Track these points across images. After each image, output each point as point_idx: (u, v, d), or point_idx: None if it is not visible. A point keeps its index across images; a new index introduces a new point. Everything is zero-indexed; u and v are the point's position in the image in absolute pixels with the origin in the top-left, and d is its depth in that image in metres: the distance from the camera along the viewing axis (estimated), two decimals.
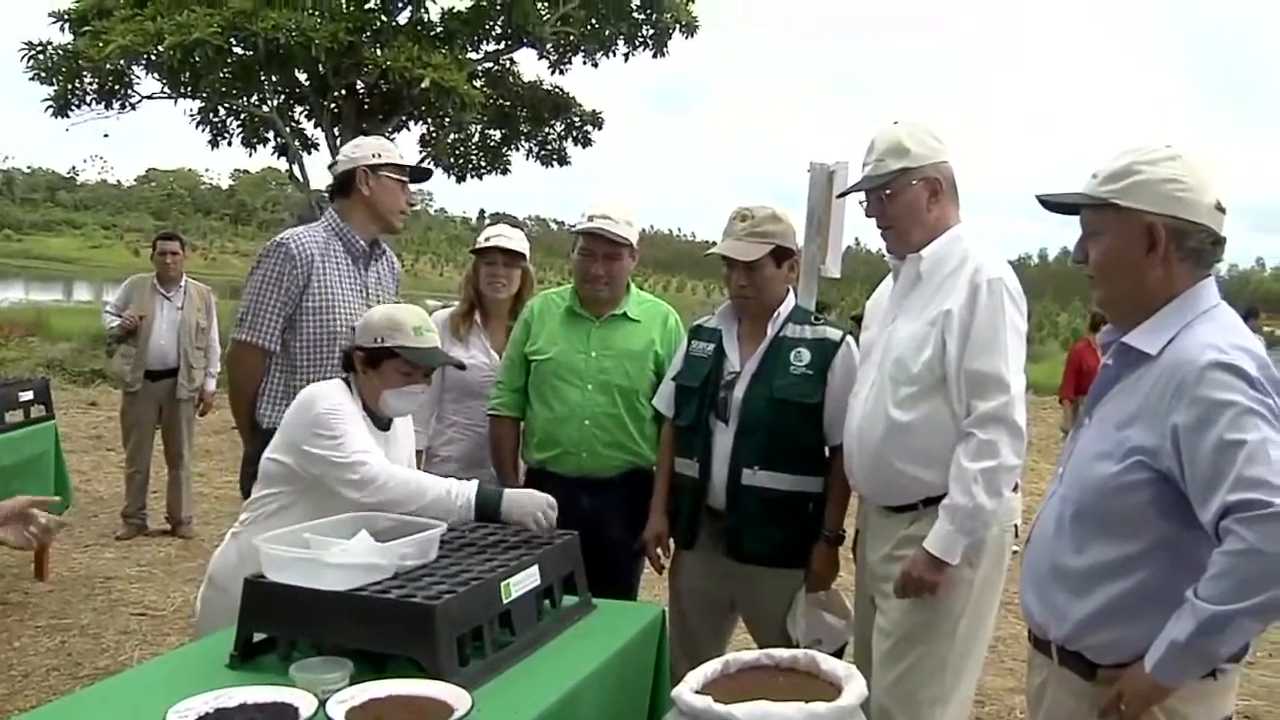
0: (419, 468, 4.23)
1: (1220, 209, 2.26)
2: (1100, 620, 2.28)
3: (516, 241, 4.35)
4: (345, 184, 3.96)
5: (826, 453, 3.57)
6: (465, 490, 3.03)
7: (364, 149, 3.95)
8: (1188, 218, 2.23)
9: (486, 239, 4.37)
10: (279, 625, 2.56)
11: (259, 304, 3.83)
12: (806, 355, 3.53)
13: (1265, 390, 2.11)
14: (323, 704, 2.21)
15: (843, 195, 3.49)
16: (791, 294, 3.68)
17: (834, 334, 3.59)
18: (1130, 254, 2.27)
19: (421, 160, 17.95)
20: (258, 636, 2.58)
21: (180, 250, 7.61)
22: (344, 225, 3.94)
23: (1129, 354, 2.31)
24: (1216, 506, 2.06)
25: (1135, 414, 2.23)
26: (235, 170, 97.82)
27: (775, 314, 3.59)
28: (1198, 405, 2.10)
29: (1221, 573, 2.05)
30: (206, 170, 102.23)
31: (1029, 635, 2.53)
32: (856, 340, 3.57)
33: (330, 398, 3.08)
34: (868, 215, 3.31)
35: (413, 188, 4.01)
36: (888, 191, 3.20)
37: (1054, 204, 2.40)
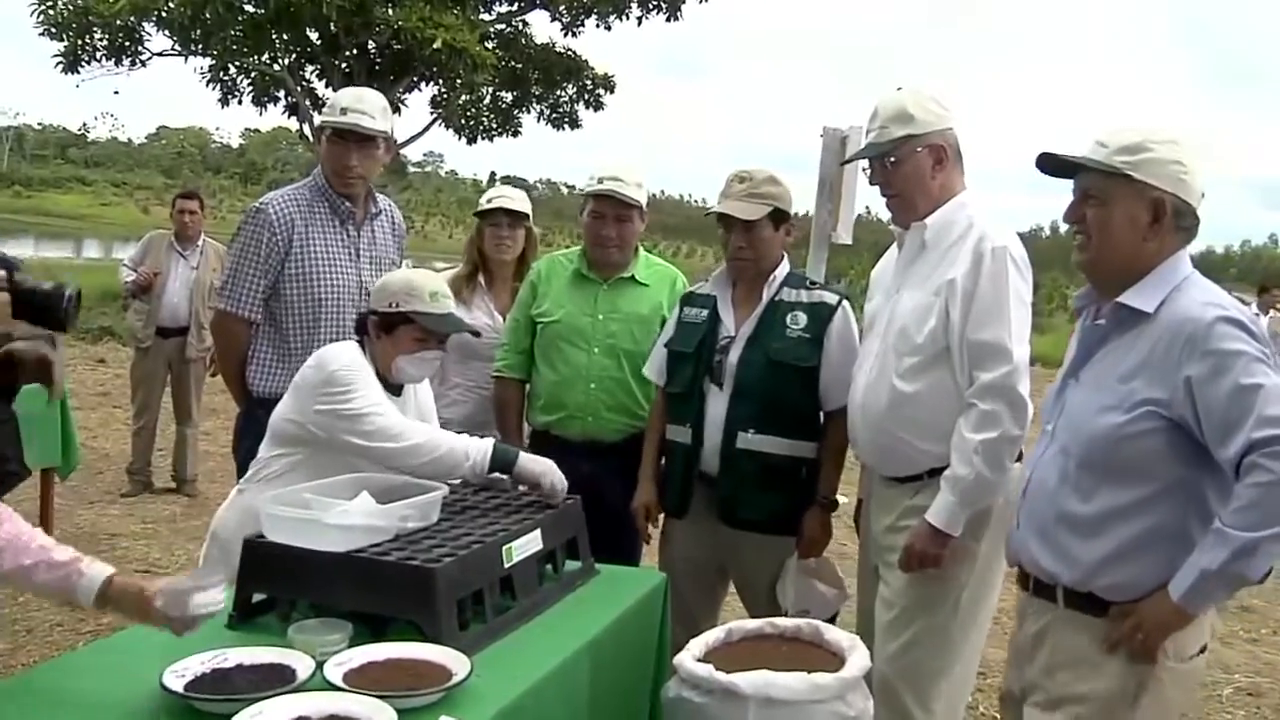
0: None
1: (1203, 196, 2.47)
2: (1114, 561, 2.42)
3: (519, 202, 4.32)
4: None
5: (821, 418, 3.54)
6: (482, 446, 3.01)
7: (328, 103, 3.80)
8: (1185, 198, 2.43)
9: (489, 200, 4.34)
10: (278, 586, 2.54)
11: (238, 272, 3.77)
12: (803, 319, 3.50)
13: (1264, 341, 2.33)
14: (320, 666, 2.19)
15: (846, 163, 3.44)
16: (786, 259, 3.64)
17: (830, 298, 3.56)
18: (1135, 222, 2.43)
19: (432, 121, 17.92)
20: (257, 597, 2.56)
21: (199, 210, 7.59)
22: (327, 183, 3.83)
23: (1121, 312, 2.46)
24: (1240, 444, 2.23)
25: (1138, 368, 2.39)
26: (246, 129, 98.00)
27: (771, 278, 3.56)
28: (1211, 356, 2.28)
29: (1251, 503, 2.22)
30: (217, 129, 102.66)
31: (1026, 584, 2.63)
32: (854, 306, 3.54)
33: (344, 357, 3.05)
34: (871, 183, 3.28)
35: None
36: (892, 159, 3.16)
37: (1053, 166, 2.53)
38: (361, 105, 3.71)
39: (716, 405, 3.51)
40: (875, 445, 3.25)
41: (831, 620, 3.53)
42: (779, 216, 3.53)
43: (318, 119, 3.83)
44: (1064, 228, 2.62)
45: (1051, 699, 2.53)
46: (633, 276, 3.90)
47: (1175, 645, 2.40)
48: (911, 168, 3.16)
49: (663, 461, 3.72)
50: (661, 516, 3.74)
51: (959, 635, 3.16)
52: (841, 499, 3.61)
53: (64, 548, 2.21)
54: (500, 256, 4.26)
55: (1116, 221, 2.44)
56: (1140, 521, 2.39)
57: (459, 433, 4.08)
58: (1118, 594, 2.42)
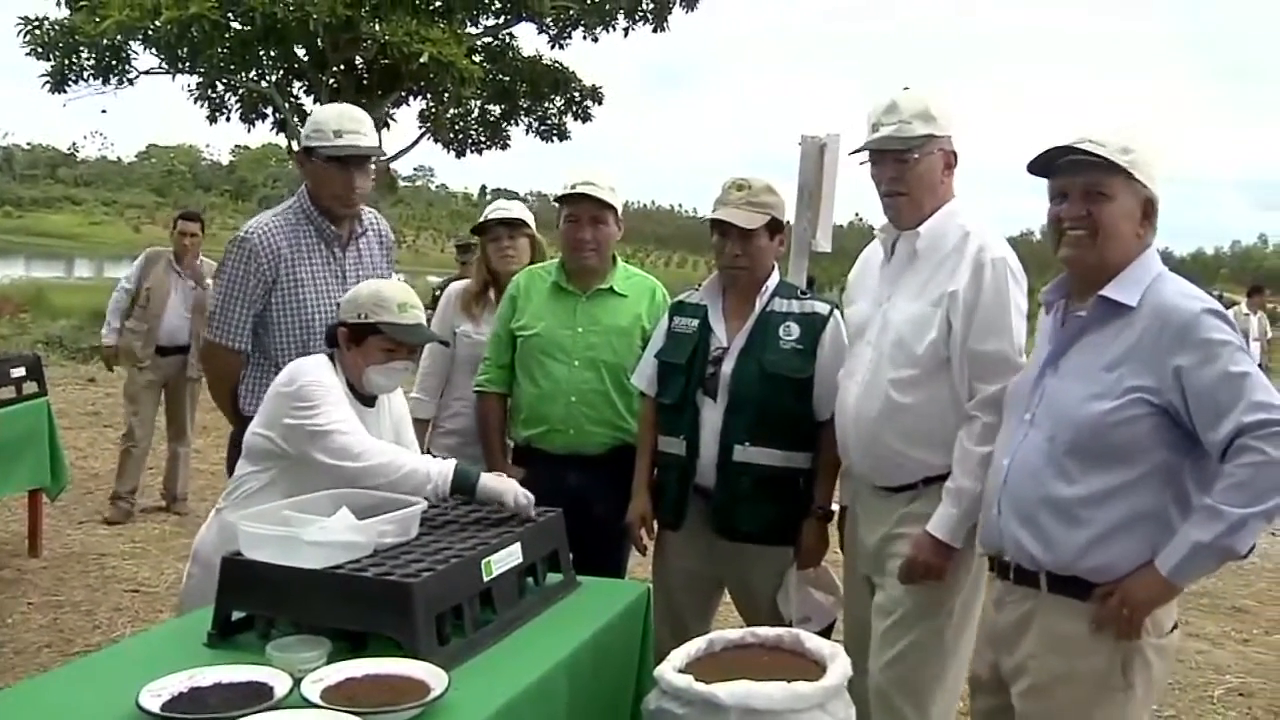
0: (424, 438, 4.20)
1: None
2: (1099, 543, 2.53)
3: (516, 210, 4.39)
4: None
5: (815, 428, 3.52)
6: (443, 468, 2.98)
7: (310, 124, 3.73)
8: (1157, 195, 2.61)
9: (485, 216, 4.39)
10: (256, 603, 2.52)
11: (225, 304, 3.72)
12: (796, 329, 3.49)
13: (1239, 332, 2.51)
14: (298, 683, 2.18)
15: (855, 152, 3.35)
16: (776, 269, 3.64)
17: (822, 308, 3.55)
18: (1132, 218, 2.59)
19: (421, 135, 17.91)
20: (236, 615, 2.55)
21: (200, 233, 7.57)
22: (312, 206, 3.76)
23: (1105, 306, 2.57)
24: (1231, 427, 2.38)
25: (1123, 357, 2.52)
26: (236, 146, 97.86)
27: (763, 288, 3.55)
28: (1201, 347, 2.43)
29: (1243, 481, 2.37)
30: (207, 146, 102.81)
31: (1005, 571, 2.72)
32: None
33: (312, 372, 3.05)
34: (876, 178, 3.19)
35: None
36: (915, 156, 3.11)
37: (1043, 161, 2.64)
38: (355, 125, 3.66)
39: (711, 418, 3.49)
40: (869, 455, 3.22)
41: (830, 627, 3.52)
42: (774, 226, 3.53)
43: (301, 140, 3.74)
44: None
45: (1041, 683, 2.64)
46: (611, 288, 3.88)
47: (1154, 622, 2.54)
48: (928, 167, 3.13)
49: (654, 472, 3.70)
50: (656, 527, 3.72)
51: (954, 641, 3.16)
52: (835, 508, 3.60)
53: None
54: (507, 268, 4.28)
55: (1122, 217, 2.58)
56: (1124, 505, 2.51)
57: (459, 445, 4.09)
58: (1100, 576, 2.54)
